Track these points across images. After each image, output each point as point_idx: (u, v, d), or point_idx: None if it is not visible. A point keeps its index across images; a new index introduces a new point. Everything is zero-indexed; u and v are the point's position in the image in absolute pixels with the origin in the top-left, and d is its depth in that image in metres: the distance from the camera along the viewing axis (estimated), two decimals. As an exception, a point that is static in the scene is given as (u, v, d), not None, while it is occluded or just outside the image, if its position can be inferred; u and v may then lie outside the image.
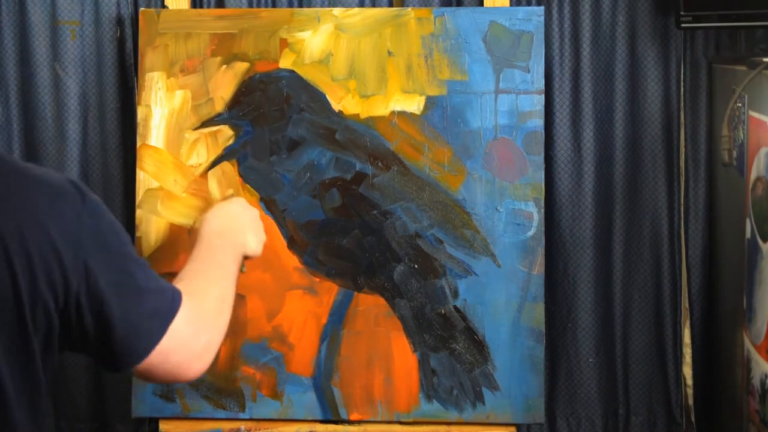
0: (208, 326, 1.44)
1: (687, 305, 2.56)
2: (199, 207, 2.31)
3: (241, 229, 1.73)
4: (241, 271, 1.81)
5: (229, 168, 2.32)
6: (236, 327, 2.32)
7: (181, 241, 2.32)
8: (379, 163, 2.31)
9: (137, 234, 2.32)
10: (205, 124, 2.34)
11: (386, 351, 2.31)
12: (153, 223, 2.32)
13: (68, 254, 1.27)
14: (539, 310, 2.29)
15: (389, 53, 2.32)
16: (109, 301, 1.30)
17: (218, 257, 1.60)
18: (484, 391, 2.29)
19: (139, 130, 2.36)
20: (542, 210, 2.30)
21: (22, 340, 1.26)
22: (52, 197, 1.28)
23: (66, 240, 1.27)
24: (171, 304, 1.37)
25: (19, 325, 1.26)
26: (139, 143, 2.35)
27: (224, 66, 2.34)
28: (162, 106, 2.35)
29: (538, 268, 2.29)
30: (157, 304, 1.36)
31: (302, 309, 2.32)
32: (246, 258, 1.82)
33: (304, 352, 2.32)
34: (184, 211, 2.32)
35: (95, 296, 1.29)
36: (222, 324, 1.49)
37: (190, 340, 1.40)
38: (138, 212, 2.33)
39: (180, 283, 1.47)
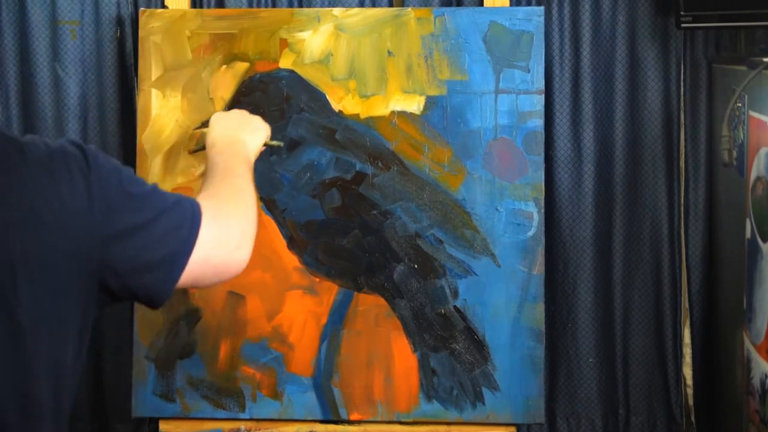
0: (236, 217, 1.46)
1: (687, 305, 2.56)
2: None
3: (238, 139, 1.75)
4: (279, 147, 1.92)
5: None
6: (236, 327, 2.32)
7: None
8: (379, 163, 2.31)
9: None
10: (205, 124, 2.33)
11: (386, 351, 2.31)
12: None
13: (84, 221, 1.26)
14: (539, 310, 2.29)
15: (389, 53, 2.32)
16: (135, 248, 1.31)
17: (222, 166, 1.63)
18: (484, 391, 2.29)
19: (139, 129, 2.36)
20: (542, 210, 2.30)
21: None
22: (57, 167, 1.27)
23: (80, 205, 1.27)
24: (192, 212, 1.38)
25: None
26: (138, 143, 2.35)
27: (224, 66, 2.34)
28: (162, 106, 2.35)
29: (538, 268, 2.29)
30: (179, 218, 1.36)
31: (302, 309, 2.32)
32: (265, 146, 1.85)
33: (304, 352, 2.32)
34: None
35: (126, 251, 1.30)
36: (249, 212, 1.51)
37: (224, 236, 1.41)
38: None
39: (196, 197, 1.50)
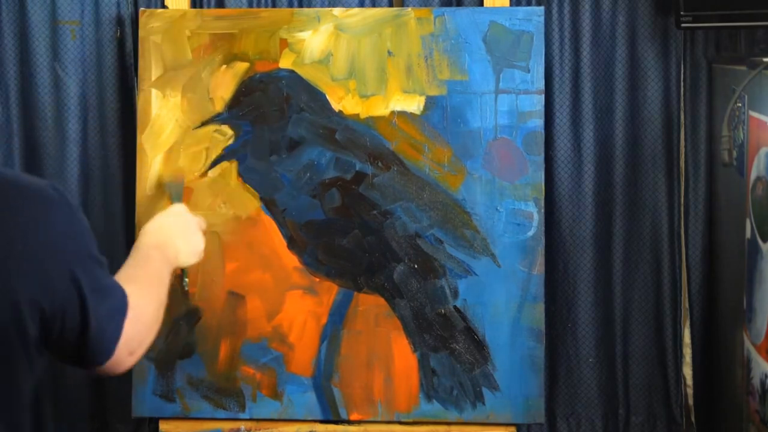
0: (147, 326, 1.51)
1: (687, 305, 2.56)
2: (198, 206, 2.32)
3: (174, 244, 1.78)
4: (184, 287, 2.09)
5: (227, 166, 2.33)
6: (236, 327, 2.32)
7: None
8: (379, 163, 2.31)
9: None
10: (205, 124, 2.34)
11: (386, 351, 2.31)
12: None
13: (55, 266, 1.29)
14: (539, 310, 2.29)
15: (389, 53, 2.32)
16: (87, 305, 1.35)
17: (154, 267, 1.66)
18: (484, 391, 2.29)
19: (139, 129, 2.36)
20: (542, 210, 2.30)
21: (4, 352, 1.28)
22: (37, 206, 1.29)
23: (53, 252, 1.29)
24: (122, 301, 1.43)
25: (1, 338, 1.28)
26: (138, 143, 2.35)
27: (224, 66, 2.34)
28: (162, 106, 2.35)
29: (538, 268, 2.29)
30: (115, 303, 1.41)
31: (302, 309, 2.32)
32: (182, 268, 1.91)
33: (304, 352, 2.32)
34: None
35: (79, 303, 1.34)
36: (157, 327, 1.55)
37: (133, 338, 1.45)
38: (138, 211, 2.33)
39: (122, 285, 1.52)
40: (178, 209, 1.90)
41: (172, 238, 1.78)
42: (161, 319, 1.56)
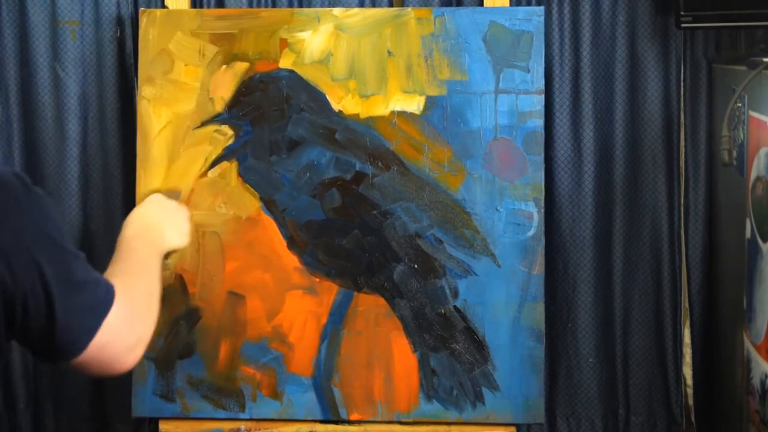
0: (140, 320, 1.48)
1: (687, 305, 2.56)
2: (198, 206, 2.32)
3: (158, 228, 1.76)
4: (165, 266, 1.90)
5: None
6: (236, 327, 2.32)
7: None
8: (379, 163, 2.31)
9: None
10: (205, 124, 2.34)
11: (386, 351, 2.31)
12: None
13: (16, 251, 1.28)
14: (539, 310, 2.29)
15: (389, 53, 2.32)
16: (53, 294, 1.32)
17: (139, 256, 1.63)
18: (484, 391, 2.29)
19: (139, 129, 2.36)
20: (542, 210, 2.30)
21: None
22: None
23: (13, 236, 1.27)
24: (105, 297, 1.39)
25: None
26: (139, 143, 2.35)
27: (224, 66, 2.34)
28: (162, 106, 2.35)
29: (538, 268, 2.29)
30: (94, 298, 1.38)
31: (302, 309, 2.32)
32: (172, 252, 1.86)
33: (304, 352, 2.32)
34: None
35: (42, 290, 1.31)
36: (152, 318, 1.52)
37: (124, 334, 1.42)
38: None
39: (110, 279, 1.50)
40: (156, 197, 1.89)
41: (154, 224, 1.76)
42: (156, 309, 1.54)
